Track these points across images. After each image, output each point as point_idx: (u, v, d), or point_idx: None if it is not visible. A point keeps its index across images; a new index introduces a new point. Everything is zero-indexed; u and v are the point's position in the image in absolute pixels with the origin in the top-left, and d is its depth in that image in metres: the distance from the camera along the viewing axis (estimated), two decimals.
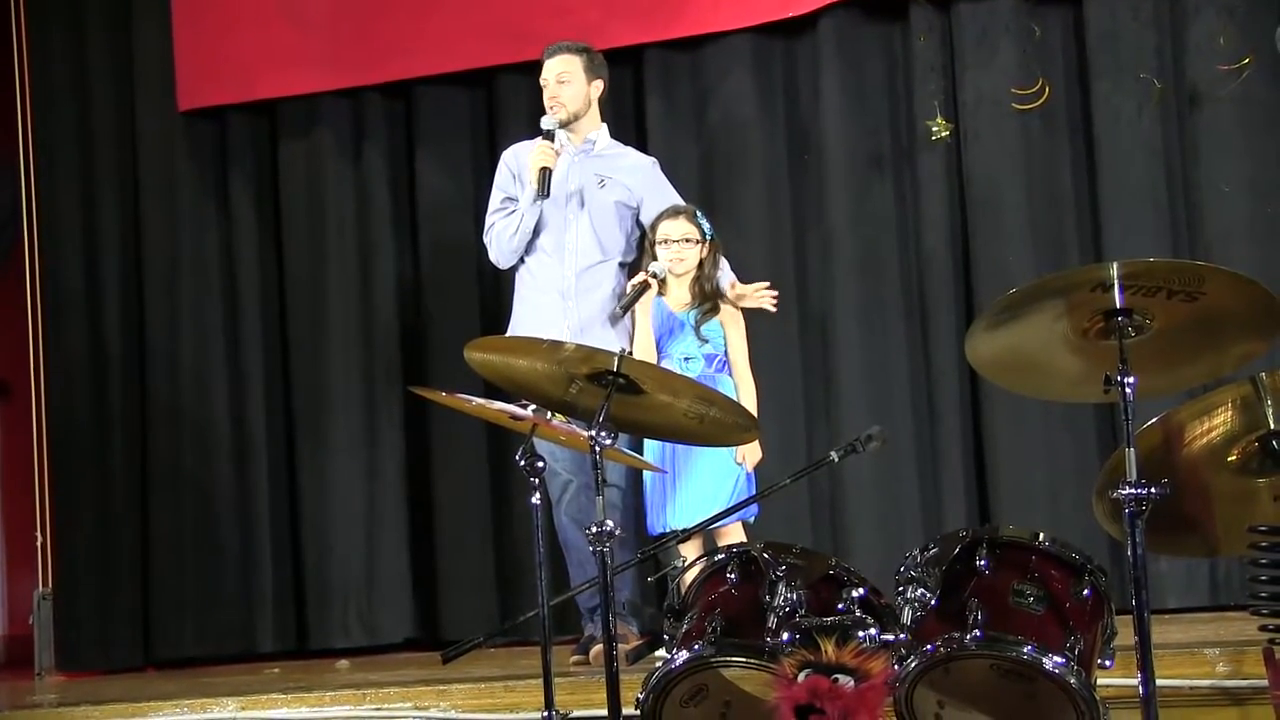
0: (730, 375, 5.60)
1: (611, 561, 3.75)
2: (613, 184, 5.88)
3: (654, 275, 5.59)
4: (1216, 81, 6.32)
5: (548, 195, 5.73)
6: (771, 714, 3.30)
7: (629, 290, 5.62)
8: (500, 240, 5.88)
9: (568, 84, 5.86)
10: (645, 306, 5.63)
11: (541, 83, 5.89)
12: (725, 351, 5.61)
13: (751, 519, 5.56)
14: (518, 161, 5.91)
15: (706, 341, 5.60)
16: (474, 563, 7.16)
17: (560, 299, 5.81)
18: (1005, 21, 6.56)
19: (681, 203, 5.85)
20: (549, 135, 5.77)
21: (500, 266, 5.99)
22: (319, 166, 7.43)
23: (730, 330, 5.62)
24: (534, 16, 6.94)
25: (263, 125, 7.54)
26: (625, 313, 5.67)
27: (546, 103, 5.85)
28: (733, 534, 5.47)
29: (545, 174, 5.70)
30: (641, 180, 5.93)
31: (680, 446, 5.47)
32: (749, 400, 5.54)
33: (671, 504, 5.56)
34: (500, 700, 5.05)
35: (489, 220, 5.95)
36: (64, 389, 7.57)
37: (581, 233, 5.84)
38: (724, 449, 5.40)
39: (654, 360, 5.57)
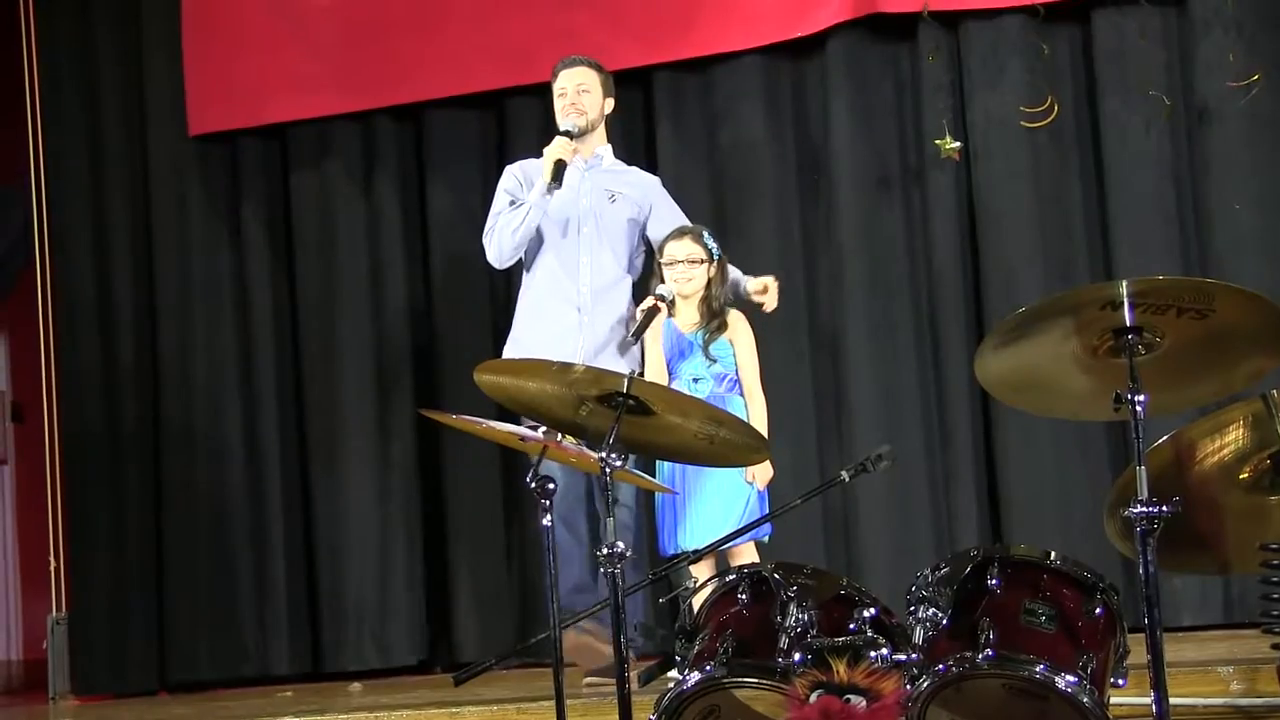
0: (741, 394, 5.60)
1: (623, 583, 3.76)
2: (623, 200, 5.92)
3: (662, 298, 5.57)
4: (1225, 98, 6.32)
5: (559, 185, 5.74)
6: None
7: (638, 315, 5.61)
8: (503, 234, 5.83)
9: (588, 93, 5.90)
10: (655, 329, 5.63)
11: (558, 91, 5.91)
12: (736, 370, 5.61)
13: (765, 538, 5.56)
14: (525, 173, 5.92)
15: (715, 361, 5.59)
16: (487, 585, 7.15)
17: (577, 314, 5.82)
18: (1013, 40, 6.57)
19: (687, 222, 5.85)
20: (568, 134, 5.80)
21: (497, 265, 5.95)
22: (330, 189, 7.44)
23: (740, 348, 5.61)
24: (543, 39, 6.96)
25: (273, 149, 7.56)
26: (638, 339, 5.66)
27: (564, 110, 5.88)
28: (745, 554, 5.46)
29: (560, 166, 5.73)
30: (647, 195, 5.97)
31: (690, 467, 5.46)
32: (760, 418, 5.54)
33: (683, 525, 5.55)
34: None
35: (491, 221, 5.91)
36: (77, 413, 7.58)
37: (598, 249, 5.86)
38: (734, 469, 5.40)
39: (665, 383, 5.57)
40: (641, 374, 5.40)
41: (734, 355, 5.60)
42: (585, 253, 5.86)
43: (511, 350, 5.91)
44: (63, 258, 7.66)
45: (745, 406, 5.55)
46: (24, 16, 7.70)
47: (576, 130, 5.84)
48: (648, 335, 5.62)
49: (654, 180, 6.09)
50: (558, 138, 5.80)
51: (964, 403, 6.54)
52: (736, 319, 5.64)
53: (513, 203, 5.88)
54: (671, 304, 5.62)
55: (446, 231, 7.32)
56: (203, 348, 7.50)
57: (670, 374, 5.62)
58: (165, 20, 7.52)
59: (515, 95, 7.17)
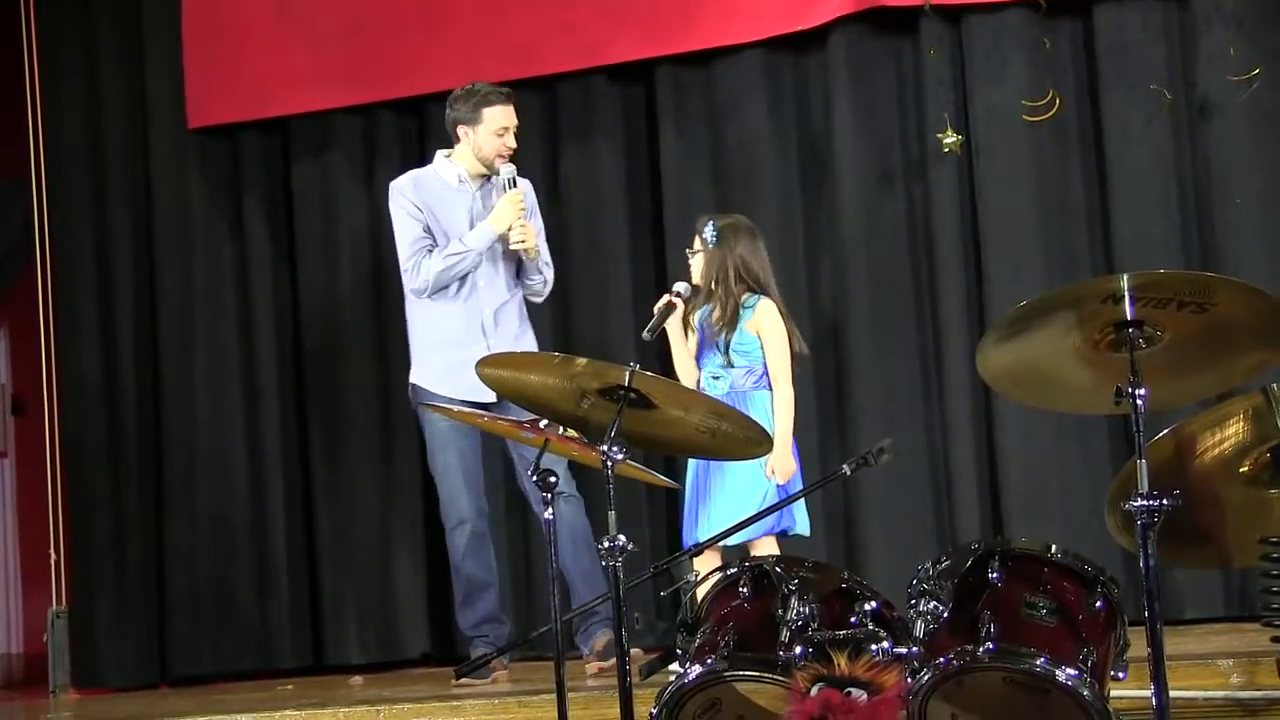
0: (769, 388, 5.60)
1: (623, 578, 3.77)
2: None
3: (678, 295, 5.61)
4: (1226, 92, 6.32)
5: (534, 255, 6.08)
6: None
7: (655, 312, 5.65)
8: (440, 277, 5.98)
9: (515, 134, 6.09)
10: (676, 325, 5.66)
11: (498, 128, 6.03)
12: (765, 365, 5.61)
13: (806, 533, 5.58)
14: (419, 194, 6.08)
15: (732, 365, 5.60)
16: None
17: (482, 334, 6.00)
18: (1015, 34, 6.57)
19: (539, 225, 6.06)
20: (513, 183, 5.98)
21: (419, 296, 6.08)
22: (332, 184, 7.44)
23: (767, 338, 5.60)
24: (544, 32, 6.97)
25: (275, 143, 7.55)
26: (653, 336, 5.69)
27: (501, 150, 6.02)
28: (764, 547, 5.47)
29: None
30: (528, 200, 6.11)
31: (714, 463, 5.52)
32: (782, 409, 5.56)
33: (705, 520, 5.59)
34: (513, 716, 5.06)
35: (412, 249, 6.03)
36: (78, 406, 7.58)
37: (493, 269, 6.04)
38: (755, 463, 5.41)
39: (693, 377, 5.64)
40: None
41: (761, 348, 5.60)
42: (482, 276, 6.05)
43: (423, 374, 6.10)
44: (63, 251, 7.65)
45: (769, 400, 5.56)
46: (24, 9, 7.69)
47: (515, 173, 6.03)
48: (671, 331, 5.65)
49: (527, 184, 6.16)
50: (513, 193, 5.95)
51: (965, 396, 6.54)
52: (763, 310, 5.63)
53: (427, 229, 6.04)
54: (691, 299, 5.64)
55: None
56: (204, 341, 7.50)
57: (700, 367, 5.67)
58: (166, 13, 7.51)
59: (516, 88, 7.14)
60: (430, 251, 6.00)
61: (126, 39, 7.68)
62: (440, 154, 6.19)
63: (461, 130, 6.06)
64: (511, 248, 5.99)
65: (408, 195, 6.08)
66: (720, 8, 6.84)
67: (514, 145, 6.06)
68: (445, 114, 6.13)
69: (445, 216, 6.05)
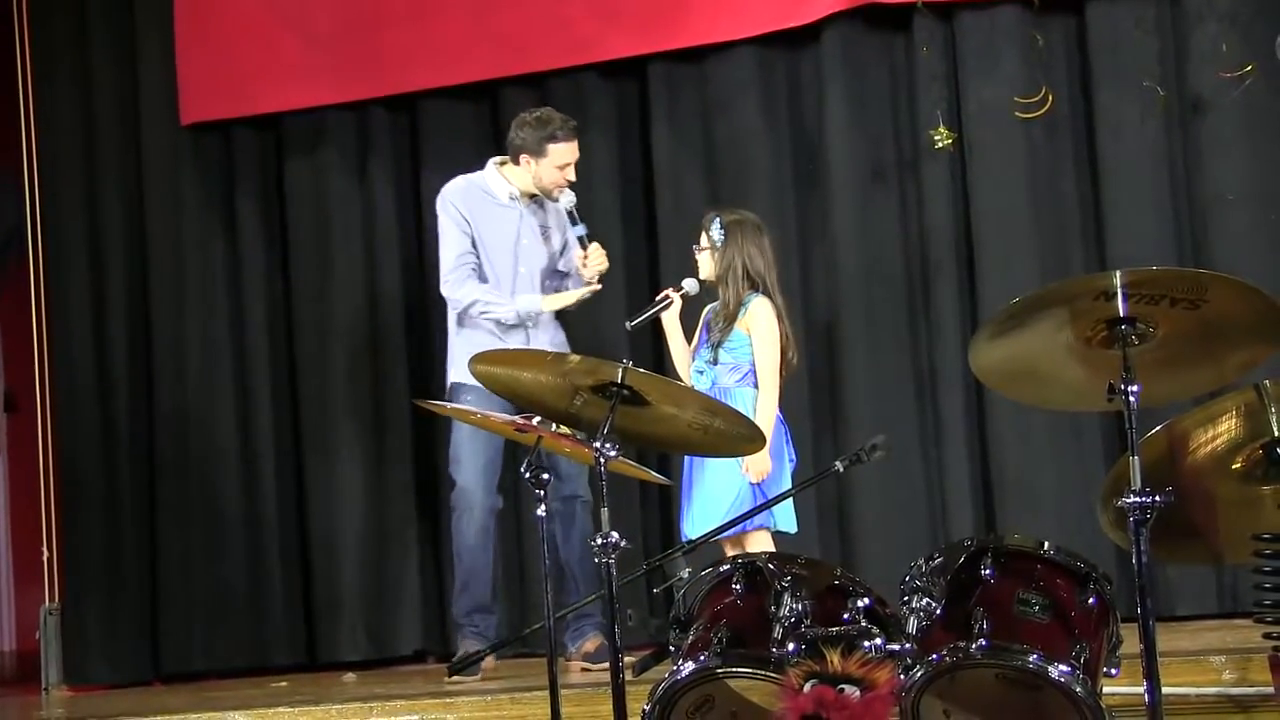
0: (755, 386, 5.60)
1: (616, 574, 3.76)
2: (553, 231, 6.20)
3: (683, 292, 5.64)
4: (1219, 89, 6.32)
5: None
6: None
7: (652, 302, 5.70)
8: (472, 307, 6.07)
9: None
10: (674, 321, 5.68)
11: (560, 161, 6.06)
12: (752, 364, 5.61)
13: (775, 529, 5.59)
14: (468, 205, 6.13)
15: (717, 361, 5.60)
16: None
17: (525, 335, 6.08)
18: (1008, 31, 6.57)
19: (568, 240, 6.13)
20: (573, 218, 6.05)
21: (452, 308, 6.17)
22: (324, 180, 7.43)
23: (756, 337, 5.61)
24: (537, 29, 6.97)
25: (268, 139, 7.55)
26: (634, 326, 5.72)
27: (561, 182, 6.07)
28: (756, 543, 5.48)
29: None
30: (563, 219, 6.18)
31: (696, 459, 5.56)
32: (764, 410, 5.55)
33: (688, 514, 5.65)
34: (506, 712, 5.07)
35: (458, 262, 6.09)
36: (71, 403, 7.57)
37: (532, 286, 6.13)
38: (732, 460, 5.42)
39: (687, 369, 5.68)
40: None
41: (750, 345, 5.61)
42: (523, 289, 6.11)
43: (463, 371, 6.02)
44: (56, 248, 7.64)
45: (753, 398, 5.56)
46: (17, 5, 7.68)
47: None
48: (668, 325, 5.67)
49: (570, 196, 6.14)
50: (588, 289, 6.05)
51: (958, 393, 6.55)
52: (756, 307, 5.65)
53: (474, 244, 6.09)
54: (697, 297, 5.68)
55: None
56: (196, 338, 7.49)
57: (695, 358, 5.71)
58: (159, 9, 7.51)
59: (509, 85, 7.16)
60: (476, 272, 6.08)
61: (119, 35, 7.66)
62: (493, 163, 6.22)
63: (524, 159, 6.09)
64: (586, 278, 6.05)
65: (458, 205, 6.13)
66: (713, 4, 6.84)
67: (574, 178, 6.09)
68: (510, 133, 6.15)
69: (488, 231, 6.11)
